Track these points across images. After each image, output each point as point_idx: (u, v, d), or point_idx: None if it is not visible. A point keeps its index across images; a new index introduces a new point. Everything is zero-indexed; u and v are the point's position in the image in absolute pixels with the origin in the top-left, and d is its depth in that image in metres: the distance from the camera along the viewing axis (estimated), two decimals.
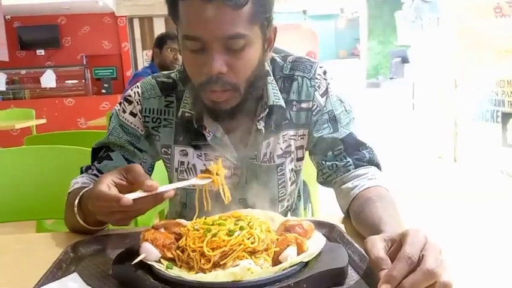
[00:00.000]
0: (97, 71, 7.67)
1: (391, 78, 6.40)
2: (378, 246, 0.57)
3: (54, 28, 7.51)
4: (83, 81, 7.48)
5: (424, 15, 7.03)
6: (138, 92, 0.98)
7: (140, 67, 7.65)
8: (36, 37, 7.49)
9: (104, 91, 7.39)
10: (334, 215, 0.95)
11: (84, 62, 7.65)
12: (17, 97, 7.19)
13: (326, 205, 1.71)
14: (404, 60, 6.29)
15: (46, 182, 1.40)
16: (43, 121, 4.71)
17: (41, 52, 7.62)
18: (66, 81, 7.44)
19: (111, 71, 7.71)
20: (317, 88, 0.96)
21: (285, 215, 1.04)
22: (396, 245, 0.57)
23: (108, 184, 0.69)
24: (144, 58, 7.76)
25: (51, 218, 1.60)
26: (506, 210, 1.00)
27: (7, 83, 7.22)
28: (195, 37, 0.80)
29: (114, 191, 0.68)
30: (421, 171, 4.64)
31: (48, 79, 7.23)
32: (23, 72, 7.44)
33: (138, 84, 0.99)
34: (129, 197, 0.66)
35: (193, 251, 0.62)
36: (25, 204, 1.41)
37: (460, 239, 0.81)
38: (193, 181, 0.76)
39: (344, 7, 8.61)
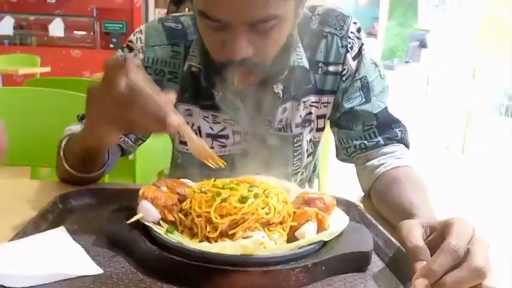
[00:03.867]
0: (107, 25, 7.49)
1: (406, 62, 6.25)
2: (415, 233, 0.49)
3: None
4: (92, 33, 7.32)
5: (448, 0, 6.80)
6: (141, 38, 0.85)
7: None
8: None
9: (112, 46, 7.23)
10: (350, 193, 0.86)
11: (94, 14, 7.47)
12: (23, 43, 7.07)
13: (334, 181, 1.63)
14: (423, 44, 6.12)
15: (44, 127, 1.32)
16: (48, 69, 4.61)
17: None
18: (75, 32, 7.29)
19: (121, 26, 7.52)
20: (349, 49, 0.83)
21: (301, 187, 0.96)
22: (437, 235, 0.49)
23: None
24: (156, 16, 7.58)
25: (46, 166, 1.53)
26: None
27: (15, 28, 7.08)
28: (214, 18, 0.66)
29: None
30: (427, 160, 4.56)
31: (57, 28, 7.09)
32: (32, 18, 7.28)
33: (142, 28, 0.86)
34: None
35: (199, 216, 0.54)
36: (20, 149, 1.34)
37: None
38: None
39: None
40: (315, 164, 1.00)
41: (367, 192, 0.83)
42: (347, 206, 0.72)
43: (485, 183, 3.80)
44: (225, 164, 0.64)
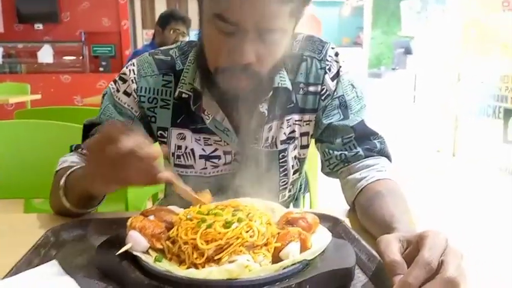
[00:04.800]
0: (95, 48, 7.53)
1: (393, 69, 6.32)
2: (392, 247, 0.51)
3: (53, 2, 7.35)
4: (81, 58, 7.36)
5: (430, 6, 6.92)
6: (133, 70, 0.90)
7: (140, 46, 7.53)
8: (34, 11, 7.33)
9: (101, 69, 7.28)
10: (337, 208, 0.89)
11: (83, 39, 7.51)
12: (13, 71, 7.09)
13: (326, 195, 1.66)
14: (408, 51, 6.20)
15: (36, 159, 1.34)
16: (38, 96, 4.62)
17: (39, 26, 7.47)
18: (64, 57, 7.32)
19: (110, 49, 7.57)
20: (327, 71, 0.89)
21: (287, 206, 0.98)
22: (413, 248, 0.51)
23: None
24: (143, 37, 7.64)
25: (39, 197, 1.54)
26: (502, 207, 0.96)
27: (3, 57, 7.10)
28: (231, 21, 0.71)
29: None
30: (419, 164, 4.60)
31: (45, 54, 7.12)
32: (20, 46, 7.31)
33: (134, 61, 0.92)
34: None
35: (185, 243, 0.56)
36: (13, 182, 1.35)
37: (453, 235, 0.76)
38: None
39: None
40: (301, 182, 1.03)
41: (352, 205, 0.85)
42: (332, 222, 0.75)
43: (476, 185, 3.84)
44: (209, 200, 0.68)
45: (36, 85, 5.97)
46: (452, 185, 3.86)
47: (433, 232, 0.51)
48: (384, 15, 7.13)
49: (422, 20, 6.54)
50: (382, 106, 5.96)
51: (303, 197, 1.64)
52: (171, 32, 2.93)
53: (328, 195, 1.69)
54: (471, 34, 4.78)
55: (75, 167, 0.81)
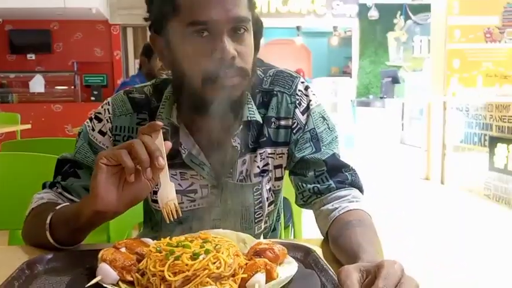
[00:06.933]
0: (87, 78, 7.60)
1: (381, 98, 6.43)
2: (352, 278, 0.53)
3: (46, 33, 7.45)
4: (73, 87, 7.41)
5: (416, 37, 7.14)
6: (108, 109, 0.92)
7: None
8: (27, 41, 7.42)
9: (93, 98, 7.32)
10: (315, 237, 0.90)
11: (75, 69, 7.58)
12: (4, 101, 7.10)
13: (310, 224, 1.68)
14: (395, 80, 6.34)
15: (21, 191, 1.34)
16: (28, 126, 4.63)
17: (31, 56, 7.54)
18: (56, 87, 7.36)
19: (102, 78, 7.64)
20: (297, 105, 0.92)
21: (264, 237, 1.00)
22: (371, 278, 0.53)
23: None
24: (136, 67, 7.73)
25: None
26: (491, 235, 0.98)
27: None
28: (204, 22, 0.77)
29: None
30: (408, 193, 4.64)
31: (37, 84, 7.16)
32: (12, 76, 7.36)
33: (109, 100, 0.94)
34: None
35: (154, 275, 0.57)
36: None
37: (443, 262, 0.78)
38: None
39: (337, 25, 8.68)
40: (278, 212, 1.05)
41: (326, 236, 0.87)
42: (305, 251, 0.77)
43: (464, 212, 3.86)
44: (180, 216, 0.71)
45: (27, 114, 6.00)
46: (441, 212, 3.89)
47: (389, 262, 0.53)
48: (372, 45, 7.31)
49: (409, 50, 6.75)
50: (371, 134, 6.04)
51: (287, 226, 1.65)
52: (157, 60, 3.01)
53: (313, 223, 1.71)
54: (455, 64, 4.91)
55: (62, 205, 0.81)
